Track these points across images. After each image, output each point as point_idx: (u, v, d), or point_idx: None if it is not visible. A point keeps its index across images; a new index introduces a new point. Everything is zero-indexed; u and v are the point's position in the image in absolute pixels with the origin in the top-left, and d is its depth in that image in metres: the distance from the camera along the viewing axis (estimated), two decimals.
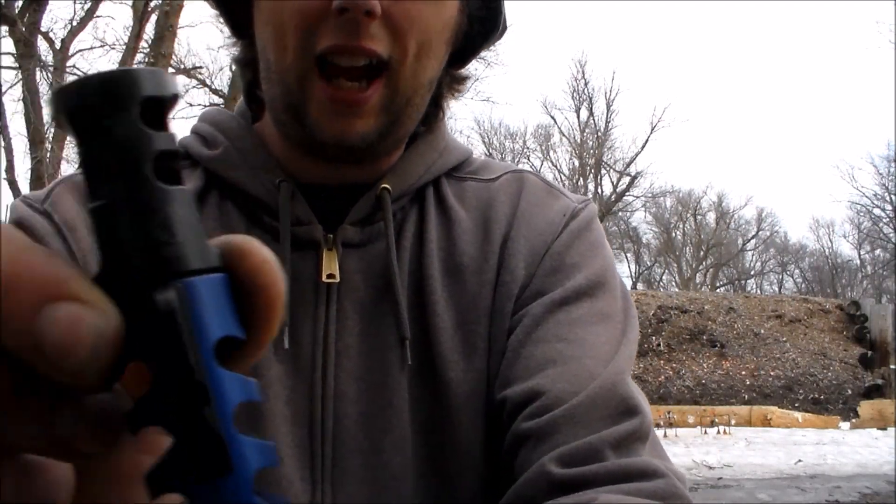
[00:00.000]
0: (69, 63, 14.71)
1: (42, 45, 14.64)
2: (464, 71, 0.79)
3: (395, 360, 0.70)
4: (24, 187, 13.83)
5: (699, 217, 39.13)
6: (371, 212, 0.73)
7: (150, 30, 13.26)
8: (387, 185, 0.73)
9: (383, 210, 0.72)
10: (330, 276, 0.70)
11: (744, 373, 16.85)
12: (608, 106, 30.37)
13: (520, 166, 0.83)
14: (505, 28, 0.78)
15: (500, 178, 0.80)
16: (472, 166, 0.82)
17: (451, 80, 0.78)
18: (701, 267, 38.72)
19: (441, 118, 0.81)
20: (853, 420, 13.88)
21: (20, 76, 13.45)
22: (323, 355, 0.69)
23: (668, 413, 13.05)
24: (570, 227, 0.77)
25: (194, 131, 0.78)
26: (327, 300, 0.70)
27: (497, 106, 44.60)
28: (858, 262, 40.47)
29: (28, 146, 13.82)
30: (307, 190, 0.73)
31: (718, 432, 12.61)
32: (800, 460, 10.28)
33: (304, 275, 0.70)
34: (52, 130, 14.09)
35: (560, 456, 0.62)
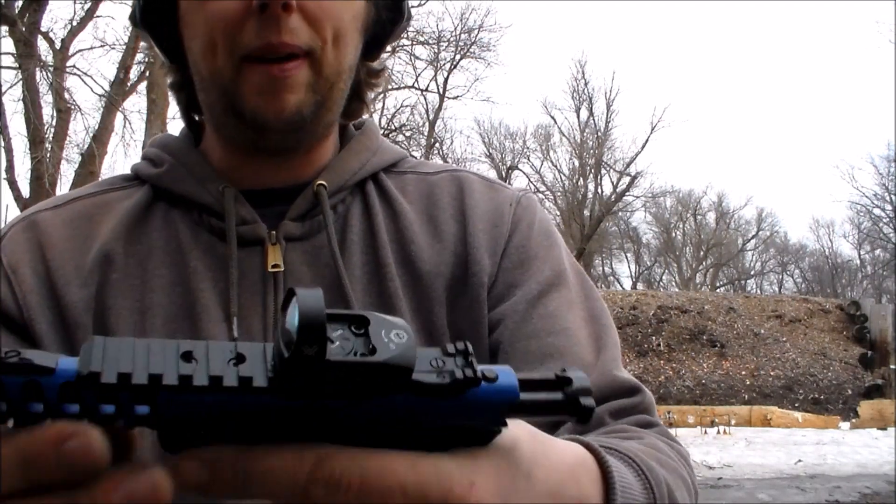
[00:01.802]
0: (69, 63, 14.70)
1: (42, 45, 14.65)
2: (377, 64, 0.85)
3: None
4: (24, 187, 13.84)
5: (699, 217, 39.21)
6: (310, 207, 0.79)
7: None
8: (322, 182, 0.79)
9: (321, 204, 0.78)
10: (274, 266, 0.76)
11: (744, 373, 16.85)
12: (608, 106, 30.38)
13: (454, 166, 0.90)
14: (409, 17, 0.85)
15: (438, 174, 0.86)
16: (409, 163, 0.88)
17: (367, 73, 0.84)
18: (701, 267, 38.74)
19: (364, 111, 0.87)
20: (853, 420, 13.89)
21: (20, 76, 13.45)
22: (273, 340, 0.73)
23: (668, 413, 13.05)
24: (519, 215, 0.83)
25: (144, 156, 0.85)
26: (275, 289, 0.75)
27: (497, 106, 44.66)
28: (858, 262, 40.53)
29: (28, 146, 13.82)
30: (250, 195, 0.79)
31: (718, 432, 12.61)
32: (800, 460, 10.28)
33: (251, 269, 0.76)
34: (52, 130, 14.10)
35: (572, 427, 0.69)
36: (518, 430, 0.41)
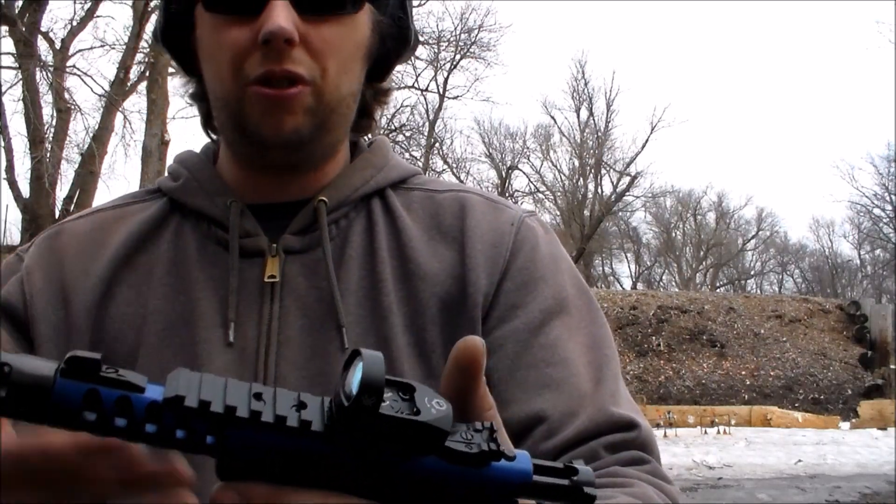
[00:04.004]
0: (69, 63, 14.69)
1: (42, 45, 14.65)
2: (385, 84, 0.88)
3: (334, 350, 0.76)
4: (24, 187, 13.85)
5: (699, 217, 39.19)
6: (311, 222, 0.81)
7: (150, 30, 13.24)
8: (323, 198, 0.82)
9: (319, 220, 0.80)
10: (271, 276, 0.79)
11: (744, 373, 16.85)
12: (608, 106, 30.32)
13: (464, 186, 0.91)
14: (417, 42, 0.87)
15: (444, 193, 0.87)
16: (419, 181, 0.89)
17: (374, 93, 0.87)
18: (701, 267, 38.75)
19: (372, 126, 0.91)
20: (853, 420, 13.89)
21: (20, 76, 13.45)
22: (266, 346, 0.77)
23: (668, 413, 13.06)
24: (522, 236, 0.84)
25: (168, 171, 0.90)
26: (271, 299, 0.78)
27: (497, 106, 44.58)
28: (858, 262, 40.54)
29: (28, 146, 13.83)
30: (257, 209, 0.82)
31: (718, 432, 12.62)
32: (800, 460, 10.29)
33: (251, 279, 0.79)
34: (52, 130, 14.10)
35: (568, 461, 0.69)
36: None
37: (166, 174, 0.89)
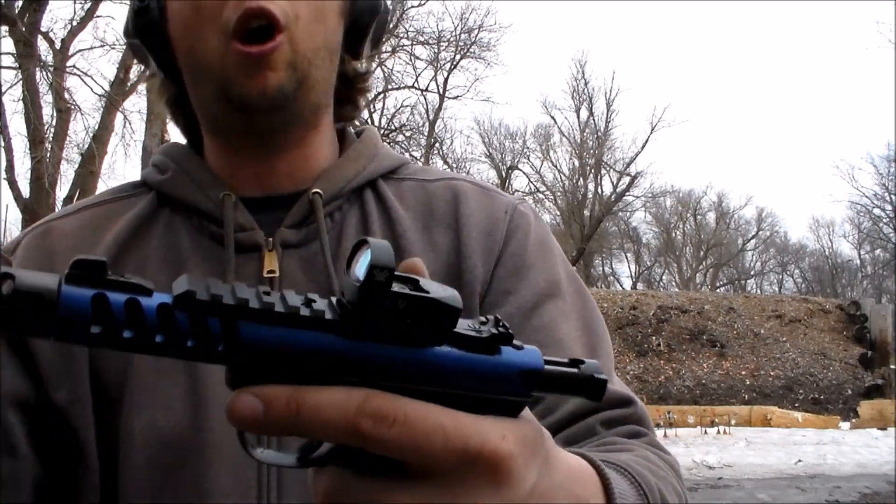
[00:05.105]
0: (69, 63, 14.69)
1: (42, 45, 14.64)
2: (363, 65, 0.88)
3: None
4: (24, 187, 13.84)
5: (699, 217, 39.20)
6: (306, 215, 0.81)
7: None
8: (318, 190, 0.81)
9: (315, 211, 0.80)
10: (270, 272, 0.78)
11: (744, 373, 16.85)
12: (608, 106, 30.36)
13: (454, 174, 0.91)
14: (388, 10, 0.88)
15: (436, 181, 0.87)
16: (409, 170, 0.90)
17: (354, 76, 0.87)
18: (701, 267, 38.75)
19: (357, 115, 0.91)
20: (853, 420, 13.89)
21: (20, 76, 13.45)
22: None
23: (668, 413, 13.05)
24: (515, 223, 0.84)
25: (152, 163, 0.88)
26: None
27: (497, 106, 44.58)
28: (858, 262, 40.54)
29: (28, 146, 13.83)
30: (250, 202, 0.81)
31: (718, 432, 12.62)
32: (800, 460, 10.29)
33: (249, 274, 0.78)
34: (52, 130, 14.10)
35: (565, 437, 0.73)
36: (539, 423, 0.44)
37: (151, 166, 0.88)
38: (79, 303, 0.35)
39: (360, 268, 0.38)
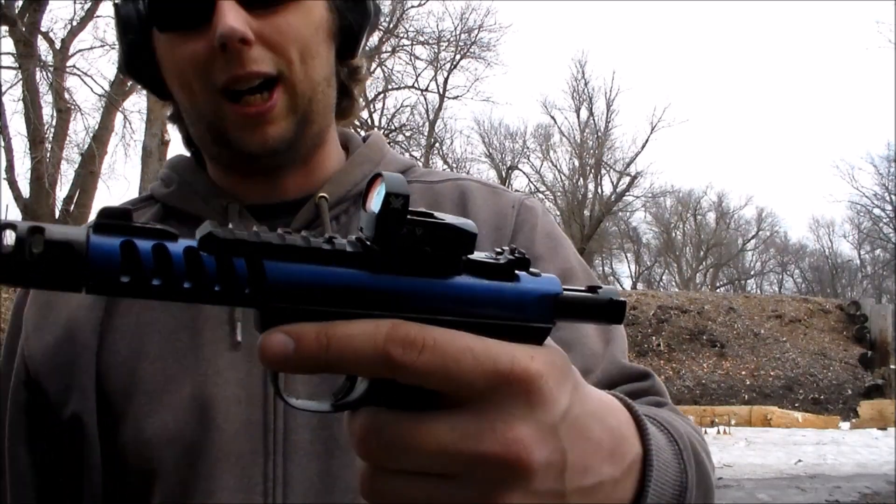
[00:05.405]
0: (69, 63, 14.69)
1: (42, 45, 14.63)
2: (357, 61, 0.87)
3: None
4: (24, 187, 13.84)
5: (699, 217, 39.15)
6: (312, 218, 0.82)
7: None
8: (324, 194, 0.82)
9: (321, 215, 0.81)
10: None
11: (744, 373, 16.84)
12: (608, 106, 30.34)
13: (460, 175, 0.93)
14: (378, 13, 0.87)
15: (442, 182, 0.88)
16: (415, 173, 0.90)
17: (349, 73, 0.86)
18: (701, 267, 38.71)
19: (356, 109, 0.91)
20: (853, 420, 13.88)
21: (20, 76, 13.44)
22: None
23: None
24: (522, 218, 0.86)
25: (158, 177, 0.90)
26: None
27: (497, 106, 44.60)
28: (858, 262, 40.50)
29: (28, 146, 13.82)
30: (255, 209, 0.82)
31: (718, 432, 12.61)
32: (800, 460, 10.28)
33: None
34: (52, 130, 14.09)
35: None
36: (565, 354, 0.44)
37: (157, 180, 0.90)
38: (108, 251, 0.35)
39: (377, 201, 0.39)
